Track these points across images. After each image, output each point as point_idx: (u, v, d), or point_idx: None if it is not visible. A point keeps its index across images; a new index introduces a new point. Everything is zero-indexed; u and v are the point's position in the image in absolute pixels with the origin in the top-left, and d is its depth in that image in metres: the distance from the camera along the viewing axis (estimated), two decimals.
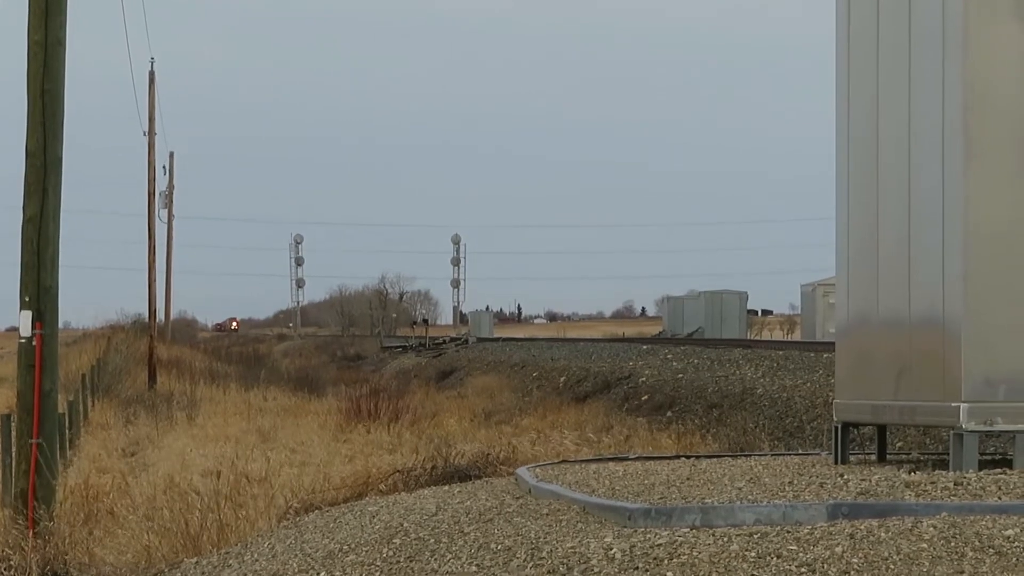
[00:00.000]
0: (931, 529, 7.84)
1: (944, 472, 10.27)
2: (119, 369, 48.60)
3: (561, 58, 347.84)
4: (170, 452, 27.07)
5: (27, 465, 16.10)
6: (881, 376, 11.83)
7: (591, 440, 24.13)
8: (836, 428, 12.57)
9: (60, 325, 16.96)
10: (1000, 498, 8.92)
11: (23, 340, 16.23)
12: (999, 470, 10.20)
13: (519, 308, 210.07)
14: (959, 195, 10.68)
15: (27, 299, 16.17)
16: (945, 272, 10.83)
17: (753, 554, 7.58)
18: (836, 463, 12.30)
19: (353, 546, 9.97)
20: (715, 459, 13.49)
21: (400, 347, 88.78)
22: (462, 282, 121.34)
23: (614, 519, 8.91)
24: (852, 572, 7.26)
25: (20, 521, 15.60)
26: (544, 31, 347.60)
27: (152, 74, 54.70)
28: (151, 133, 53.38)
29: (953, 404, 10.61)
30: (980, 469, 10.31)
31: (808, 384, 28.96)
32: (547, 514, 9.68)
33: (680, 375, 36.65)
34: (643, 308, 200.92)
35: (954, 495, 9.06)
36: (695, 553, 7.67)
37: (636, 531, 8.36)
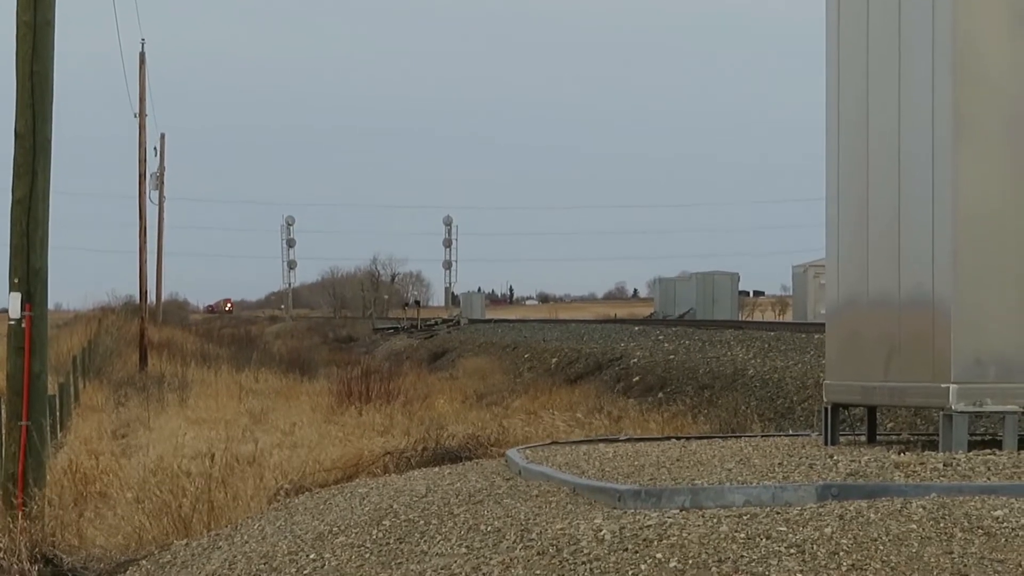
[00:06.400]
0: (920, 510, 7.84)
1: (933, 453, 10.26)
2: (110, 351, 48.61)
3: (549, 42, 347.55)
4: (161, 434, 27.05)
5: (17, 447, 16.08)
6: (871, 357, 11.82)
7: (582, 421, 24.12)
8: (826, 409, 12.56)
9: (50, 307, 16.94)
10: (989, 479, 8.92)
11: (12, 322, 16.21)
12: (988, 451, 10.20)
13: (511, 289, 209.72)
14: (949, 174, 10.65)
15: (16, 281, 16.14)
16: (935, 252, 10.80)
17: (742, 535, 7.58)
18: (826, 444, 12.30)
19: (343, 528, 9.96)
20: (705, 440, 13.49)
21: (392, 329, 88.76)
22: (454, 263, 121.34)
23: (604, 500, 8.90)
24: (841, 553, 7.25)
25: (10, 503, 15.59)
26: (532, 16, 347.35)
27: (143, 55, 54.58)
28: (141, 115, 53.25)
29: (943, 385, 10.60)
30: (969, 450, 10.30)
31: (799, 365, 28.97)
32: (537, 495, 9.67)
33: (671, 356, 36.64)
34: (635, 289, 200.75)
35: (943, 476, 9.05)
36: (685, 534, 7.66)
37: (626, 512, 8.35)
